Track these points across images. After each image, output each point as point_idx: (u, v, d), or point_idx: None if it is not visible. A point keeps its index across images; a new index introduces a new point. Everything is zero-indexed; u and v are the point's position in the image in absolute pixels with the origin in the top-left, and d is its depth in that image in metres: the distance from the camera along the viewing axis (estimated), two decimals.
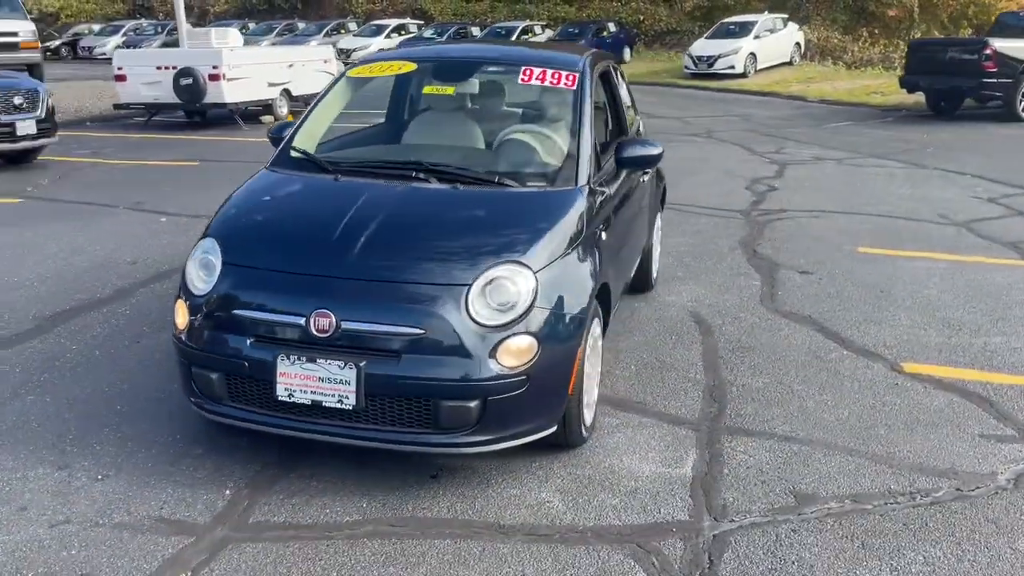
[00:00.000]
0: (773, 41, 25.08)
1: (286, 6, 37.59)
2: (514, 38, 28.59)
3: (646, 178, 4.82)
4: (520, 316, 3.08)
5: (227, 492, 3.19)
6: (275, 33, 32.22)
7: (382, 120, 4.90)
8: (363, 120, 5.17)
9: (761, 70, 24.20)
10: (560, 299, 3.21)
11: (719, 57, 23.68)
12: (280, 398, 3.10)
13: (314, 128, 4.17)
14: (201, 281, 3.29)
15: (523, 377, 3.07)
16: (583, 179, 3.68)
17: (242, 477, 3.29)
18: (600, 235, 3.67)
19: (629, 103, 5.33)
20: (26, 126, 10.23)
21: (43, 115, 10.44)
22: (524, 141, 3.99)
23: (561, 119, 3.97)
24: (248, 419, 3.21)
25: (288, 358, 3.07)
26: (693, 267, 6.34)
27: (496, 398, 3.04)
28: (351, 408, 3.04)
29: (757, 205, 8.77)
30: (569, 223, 3.44)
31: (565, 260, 3.31)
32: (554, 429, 3.32)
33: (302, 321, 3.07)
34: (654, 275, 5.67)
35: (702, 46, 24.65)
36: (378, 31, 31.24)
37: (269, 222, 3.51)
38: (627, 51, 29.00)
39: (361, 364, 3.00)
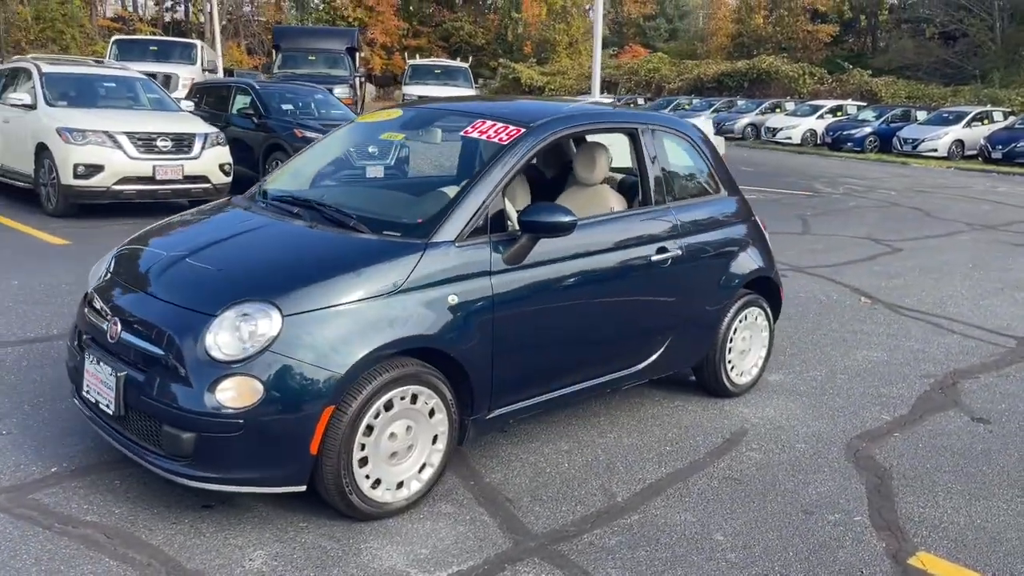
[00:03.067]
0: None
1: (732, 84, 38.16)
2: (961, 125, 25.42)
3: (660, 256, 4.11)
4: (250, 357, 2.96)
5: (53, 470, 3.54)
6: (711, 109, 32.93)
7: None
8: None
9: None
10: (314, 350, 3.00)
11: None
12: (83, 393, 3.38)
13: (304, 165, 4.40)
14: (93, 281, 3.72)
15: (238, 421, 2.93)
16: (444, 235, 3.35)
17: (82, 461, 3.62)
18: (454, 299, 3.29)
19: (693, 173, 4.62)
20: None
21: None
22: (428, 191, 3.74)
23: (471, 173, 3.64)
24: (82, 409, 3.53)
25: (91, 357, 3.34)
26: (835, 385, 5.16)
27: (208, 435, 2.95)
28: (112, 413, 3.20)
29: None
30: (375, 275, 3.17)
31: (342, 311, 3.07)
32: (301, 488, 3.08)
33: (105, 325, 3.32)
34: (731, 379, 4.76)
35: None
36: (812, 111, 30.09)
37: (154, 239, 3.80)
38: None
39: (121, 374, 3.14)
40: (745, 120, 31.84)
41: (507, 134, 3.72)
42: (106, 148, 9.56)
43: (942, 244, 10.94)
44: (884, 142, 27.00)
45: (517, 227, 3.53)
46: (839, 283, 8.13)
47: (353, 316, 3.09)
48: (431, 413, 3.33)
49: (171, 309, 3.16)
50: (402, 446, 3.27)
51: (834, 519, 3.48)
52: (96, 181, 9.52)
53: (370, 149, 5.74)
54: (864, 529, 3.42)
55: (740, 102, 34.09)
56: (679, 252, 4.24)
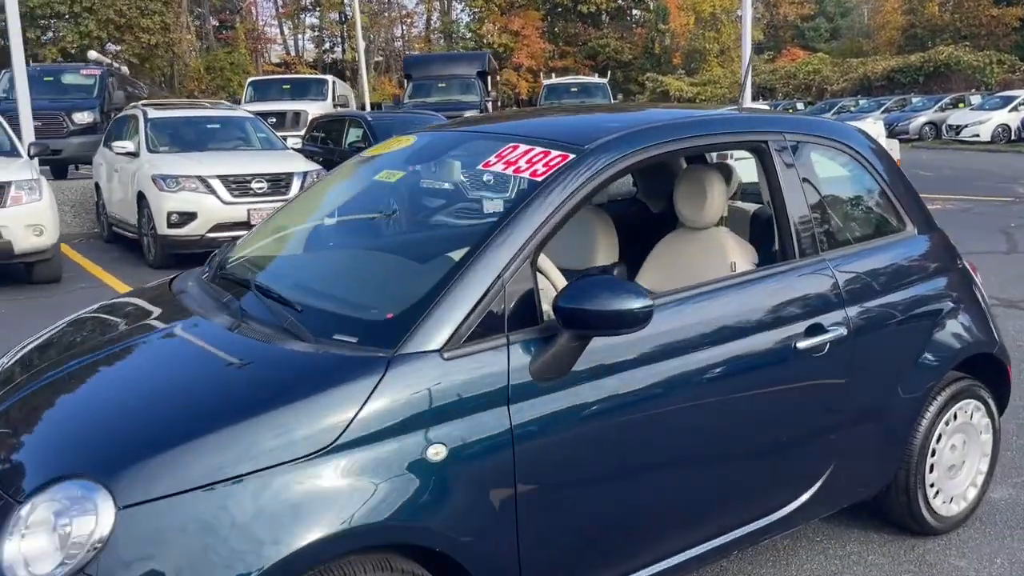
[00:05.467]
0: None
1: (905, 81, 34.71)
2: None
3: (813, 341, 2.56)
4: None
5: None
6: (882, 109, 29.94)
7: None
8: None
9: None
10: (173, 566, 1.71)
11: None
12: None
13: (287, 220, 3.15)
14: None
15: None
16: (424, 342, 1.98)
17: None
18: (439, 453, 1.93)
19: (860, 203, 3.03)
20: None
21: None
22: (429, 259, 2.38)
23: (479, 233, 2.24)
24: None
25: None
26: None
27: None
28: None
29: None
30: (293, 421, 1.84)
31: (227, 493, 1.76)
32: None
33: None
34: (934, 509, 3.13)
35: None
36: (1004, 103, 26.56)
37: (25, 354, 2.60)
38: None
39: None
40: (922, 119, 28.86)
41: (544, 164, 2.31)
42: (199, 194, 9.04)
43: None
44: None
45: (554, 316, 2.11)
46: None
47: (248, 499, 1.78)
48: None
49: None
50: None
51: None
52: (190, 230, 8.98)
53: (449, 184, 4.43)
54: None
55: (915, 99, 31.03)
56: (842, 331, 2.67)
